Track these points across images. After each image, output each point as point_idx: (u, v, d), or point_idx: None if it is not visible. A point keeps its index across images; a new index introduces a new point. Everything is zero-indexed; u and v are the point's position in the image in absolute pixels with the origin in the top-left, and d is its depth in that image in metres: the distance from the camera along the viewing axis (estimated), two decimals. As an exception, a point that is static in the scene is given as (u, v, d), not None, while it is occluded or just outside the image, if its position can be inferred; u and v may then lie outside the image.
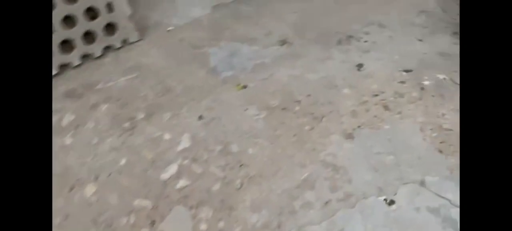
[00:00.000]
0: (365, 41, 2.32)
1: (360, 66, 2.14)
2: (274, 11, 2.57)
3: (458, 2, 2.62)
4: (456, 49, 2.22)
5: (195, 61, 2.19)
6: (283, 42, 2.32)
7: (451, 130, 1.77)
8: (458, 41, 2.28)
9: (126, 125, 1.84)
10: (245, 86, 2.03)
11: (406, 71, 2.09)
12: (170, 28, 2.41)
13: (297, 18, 2.52)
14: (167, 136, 1.79)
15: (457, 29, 2.38)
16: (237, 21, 2.48)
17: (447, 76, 2.04)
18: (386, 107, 1.89)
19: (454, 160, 1.65)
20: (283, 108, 1.91)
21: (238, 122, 1.84)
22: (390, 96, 1.94)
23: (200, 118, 1.87)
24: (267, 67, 2.15)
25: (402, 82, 2.02)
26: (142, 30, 2.36)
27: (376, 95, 1.95)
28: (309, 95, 1.98)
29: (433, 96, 1.94)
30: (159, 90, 2.02)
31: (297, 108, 1.91)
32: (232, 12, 2.55)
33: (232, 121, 1.85)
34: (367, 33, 2.38)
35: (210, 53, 2.24)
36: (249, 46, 2.29)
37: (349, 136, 1.76)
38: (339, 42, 2.32)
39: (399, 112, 1.86)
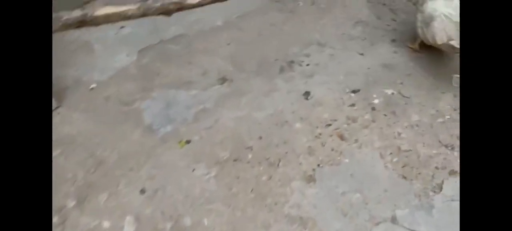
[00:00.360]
0: (307, 65, 2.21)
1: (307, 94, 2.02)
2: (205, 46, 2.37)
3: (391, 7, 2.63)
4: (398, 59, 2.20)
5: (127, 121, 1.92)
6: (222, 80, 2.14)
7: (410, 150, 1.71)
8: (398, 49, 2.26)
9: (55, 219, 1.54)
10: (188, 141, 1.82)
11: (354, 91, 2.01)
12: (92, 85, 2.11)
13: (232, 49, 2.35)
14: (106, 224, 1.52)
15: (395, 36, 2.37)
16: (168, 64, 2.25)
17: (394, 90, 1.99)
18: (341, 137, 1.78)
19: (419, 184, 1.58)
20: (235, 160, 1.72)
21: (186, 187, 1.63)
22: (343, 124, 1.84)
23: (142, 191, 1.62)
24: (210, 112, 1.95)
25: (352, 105, 1.94)
26: (59, 94, 2.04)
27: (329, 125, 1.84)
28: (260, 137, 1.81)
29: (385, 115, 1.87)
30: (90, 166, 1.73)
31: (250, 156, 1.74)
32: (160, 54, 2.31)
33: (179, 187, 1.62)
34: (307, 55, 2.28)
35: (143, 108, 1.98)
36: (186, 92, 2.07)
37: (311, 179, 1.63)
38: (281, 70, 2.19)
39: (356, 141, 1.76)
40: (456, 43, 1.86)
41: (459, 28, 1.91)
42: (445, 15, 1.96)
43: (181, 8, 1.45)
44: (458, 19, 1.93)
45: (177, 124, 1.90)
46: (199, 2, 1.47)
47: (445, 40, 1.91)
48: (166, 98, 2.04)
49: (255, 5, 2.73)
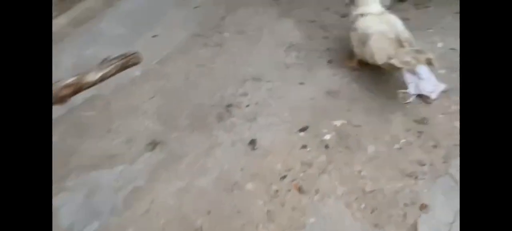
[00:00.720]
0: (247, 106, 1.98)
1: (253, 143, 1.79)
2: (126, 104, 2.03)
3: (320, 24, 2.52)
4: (339, 82, 2.06)
5: (39, 227, 1.52)
6: (153, 145, 1.82)
7: (374, 190, 1.55)
8: (337, 71, 2.13)
9: None
10: (123, 238, 1.48)
11: (303, 130, 1.82)
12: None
13: (158, 103, 2.03)
14: None
15: (330, 56, 2.24)
16: (84, 138, 1.86)
17: (344, 120, 1.85)
18: (300, 190, 1.58)
19: (393, 230, 1.43)
20: (184, 250, 1.43)
21: None
22: (299, 172, 1.64)
23: None
24: (144, 191, 1.63)
25: (304, 146, 1.75)
26: None
27: (284, 177, 1.63)
28: (209, 212, 1.54)
29: (340, 152, 1.71)
30: None
31: (201, 240, 1.46)
32: (73, 127, 1.92)
33: None
34: (245, 95, 2.05)
35: (58, 206, 1.59)
36: (110, 170, 1.72)
37: (276, 254, 1.40)
38: (220, 117, 1.94)
39: (317, 191, 1.57)
40: (396, 61, 1.76)
41: (395, 45, 1.83)
42: (379, 32, 1.86)
43: (79, 89, 1.13)
44: (393, 35, 1.85)
45: (105, 216, 1.55)
46: (101, 76, 1.16)
47: (385, 59, 1.81)
48: (86, 184, 1.67)
49: (175, 43, 2.44)
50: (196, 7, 2.79)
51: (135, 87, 2.13)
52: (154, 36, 2.51)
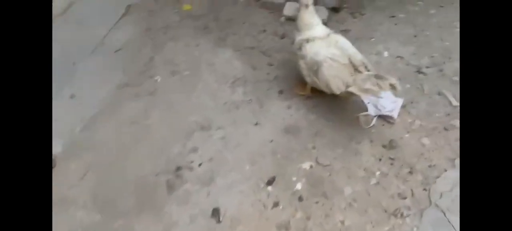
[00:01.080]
0: (200, 164, 1.71)
1: (216, 213, 1.52)
2: (56, 194, 1.63)
3: (261, 50, 2.31)
4: (295, 115, 1.87)
5: None
6: (93, 244, 1.46)
7: (362, 242, 1.39)
8: (290, 102, 1.94)
9: None
10: None
11: (270, 183, 1.60)
12: None
13: (91, 185, 1.66)
14: None
15: (280, 86, 2.04)
16: (-2, 256, 1.44)
17: (311, 161, 1.66)
18: (284, 263, 1.36)
19: None
20: None
21: None
22: (277, 239, 1.42)
23: None
24: None
25: (276, 205, 1.53)
26: None
27: (261, 249, 1.40)
28: None
29: (317, 203, 1.52)
30: None
31: None
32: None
33: None
34: (195, 150, 1.77)
35: None
36: None
37: None
38: (170, 188, 1.63)
39: (302, 259, 1.36)
40: (355, 89, 1.62)
41: (350, 70, 1.68)
42: (331, 59, 1.71)
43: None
44: (346, 60, 1.70)
45: None
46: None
47: (343, 89, 1.66)
48: None
49: (99, 100, 2.05)
50: (117, 51, 2.41)
51: (57, 169, 1.72)
52: (71, 96, 2.09)
